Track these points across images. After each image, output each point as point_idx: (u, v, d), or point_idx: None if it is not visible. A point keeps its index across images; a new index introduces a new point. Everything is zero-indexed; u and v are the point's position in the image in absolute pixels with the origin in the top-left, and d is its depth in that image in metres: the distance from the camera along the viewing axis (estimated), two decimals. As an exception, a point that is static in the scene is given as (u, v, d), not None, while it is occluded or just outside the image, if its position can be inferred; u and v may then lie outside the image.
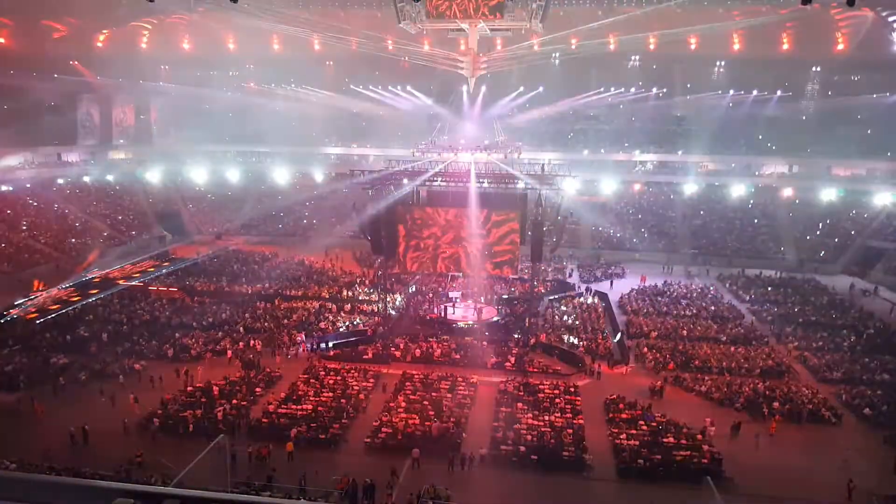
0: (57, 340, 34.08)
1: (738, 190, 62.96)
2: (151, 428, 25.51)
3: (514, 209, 39.99)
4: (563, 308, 41.52)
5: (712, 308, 41.61)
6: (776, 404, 27.78)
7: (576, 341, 35.13)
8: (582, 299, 43.65)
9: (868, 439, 25.84)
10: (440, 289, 44.21)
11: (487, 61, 46.10)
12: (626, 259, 54.24)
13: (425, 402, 27.49)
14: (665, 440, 24.82)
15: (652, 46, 59.01)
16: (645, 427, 25.80)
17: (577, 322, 38.50)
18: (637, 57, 62.42)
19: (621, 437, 25.11)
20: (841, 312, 41.40)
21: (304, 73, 65.56)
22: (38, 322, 36.67)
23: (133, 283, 45.04)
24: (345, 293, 43.51)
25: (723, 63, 62.13)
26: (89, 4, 53.01)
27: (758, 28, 54.20)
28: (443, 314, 39.05)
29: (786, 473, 22.95)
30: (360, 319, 38.56)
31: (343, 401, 27.82)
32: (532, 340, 35.47)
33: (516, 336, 36.12)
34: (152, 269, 48.55)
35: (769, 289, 46.38)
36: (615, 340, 35.49)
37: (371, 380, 30.47)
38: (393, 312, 39.85)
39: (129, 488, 5.33)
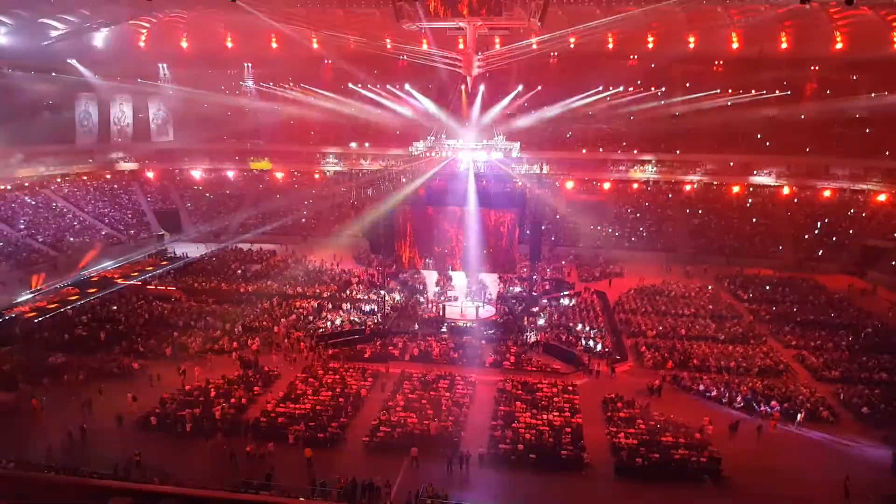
0: (55, 339, 34.04)
1: (736, 189, 63.10)
2: (149, 427, 25.51)
3: (512, 208, 40.03)
4: (563, 304, 41.50)
5: (710, 307, 41.62)
6: (774, 403, 27.81)
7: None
8: (580, 298, 43.60)
9: (866, 438, 25.85)
10: (438, 287, 44.19)
11: (486, 60, 46.13)
12: (625, 258, 54.26)
13: (424, 401, 27.48)
14: (663, 439, 24.85)
15: (651, 45, 59.06)
16: (643, 426, 25.83)
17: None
18: (636, 56, 62.45)
19: (619, 435, 25.14)
20: (839, 311, 41.44)
21: (302, 72, 65.53)
22: (36, 321, 36.63)
23: (131, 281, 45.03)
24: (344, 292, 43.47)
25: (721, 62, 62.22)
26: (87, 3, 52.87)
27: (756, 27, 54.23)
28: (441, 313, 39.05)
29: (784, 472, 23.00)
30: (359, 318, 38.53)
31: (341, 400, 27.84)
32: (530, 339, 35.49)
33: (514, 335, 36.09)
34: (150, 268, 48.48)
35: (767, 288, 46.42)
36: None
37: (369, 379, 30.47)
38: (391, 311, 39.80)
39: (127, 487, 5.35)
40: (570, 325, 37.52)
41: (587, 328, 36.81)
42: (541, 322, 37.99)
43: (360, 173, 61.71)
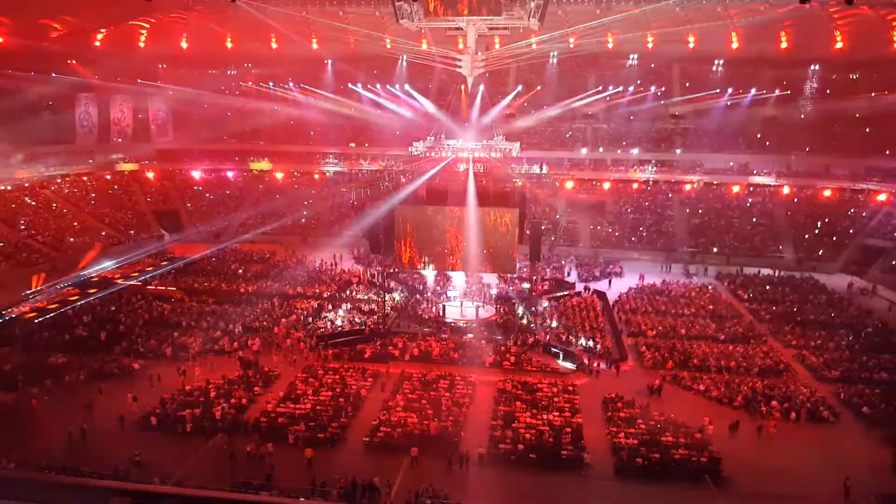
0: (55, 339, 34.05)
1: (736, 188, 63.13)
2: (150, 427, 25.51)
3: (512, 207, 40.05)
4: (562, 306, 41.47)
5: (710, 307, 41.58)
6: (774, 403, 27.82)
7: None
8: (580, 298, 43.57)
9: (866, 438, 25.87)
10: (438, 287, 44.20)
11: (485, 60, 46.16)
12: (625, 258, 54.27)
13: (424, 401, 27.48)
14: (663, 439, 24.85)
15: (650, 45, 59.05)
16: (643, 426, 25.82)
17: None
18: (635, 56, 62.51)
19: (619, 435, 25.15)
20: (839, 311, 41.44)
21: (302, 72, 65.56)
22: (36, 321, 36.63)
23: (131, 282, 45.01)
24: (344, 292, 43.46)
25: (721, 62, 62.28)
26: (87, 3, 52.84)
27: (756, 27, 54.23)
28: (441, 313, 39.05)
29: (784, 472, 22.99)
30: (359, 318, 38.52)
31: (341, 400, 27.84)
32: (531, 339, 35.48)
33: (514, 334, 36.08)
34: (150, 269, 48.49)
35: (767, 287, 46.41)
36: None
37: (370, 379, 30.47)
38: (391, 311, 39.79)
39: (127, 487, 5.35)
40: (569, 325, 37.54)
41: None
42: (540, 322, 37.99)
43: (359, 173, 61.74)
